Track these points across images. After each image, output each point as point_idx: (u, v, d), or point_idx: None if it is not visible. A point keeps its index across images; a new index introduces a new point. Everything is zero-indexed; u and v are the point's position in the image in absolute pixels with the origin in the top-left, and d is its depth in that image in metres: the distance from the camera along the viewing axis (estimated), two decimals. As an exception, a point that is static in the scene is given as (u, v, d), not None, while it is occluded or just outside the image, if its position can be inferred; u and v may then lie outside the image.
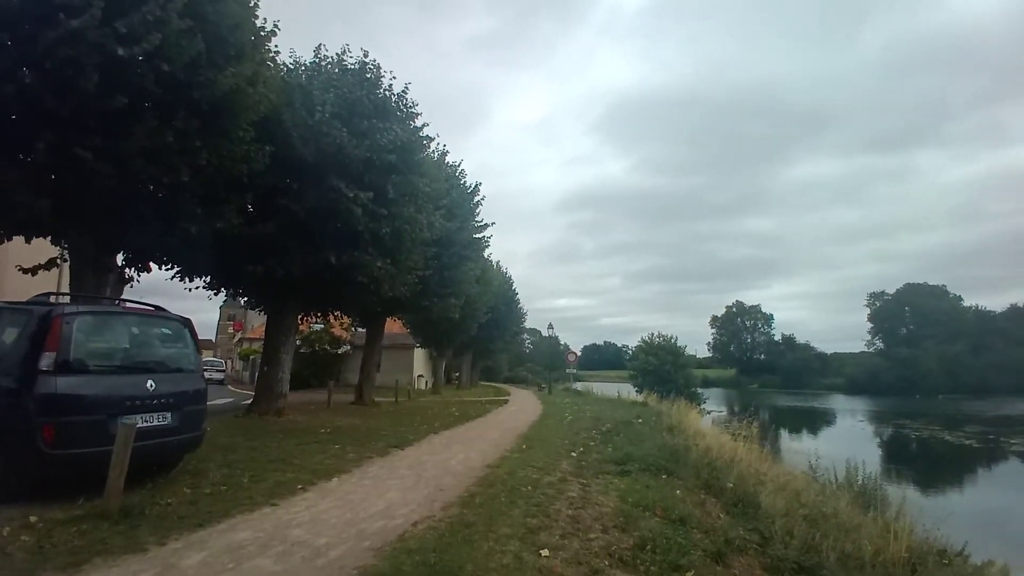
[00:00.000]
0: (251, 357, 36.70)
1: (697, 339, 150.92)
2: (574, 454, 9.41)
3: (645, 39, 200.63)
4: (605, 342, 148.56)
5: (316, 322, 26.91)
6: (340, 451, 8.98)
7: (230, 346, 56.79)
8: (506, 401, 25.33)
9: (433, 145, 16.70)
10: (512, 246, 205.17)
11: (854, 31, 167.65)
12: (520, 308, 45.20)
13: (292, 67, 12.83)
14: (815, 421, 42.29)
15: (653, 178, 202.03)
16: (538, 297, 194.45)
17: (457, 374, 43.14)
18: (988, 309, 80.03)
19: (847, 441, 29.06)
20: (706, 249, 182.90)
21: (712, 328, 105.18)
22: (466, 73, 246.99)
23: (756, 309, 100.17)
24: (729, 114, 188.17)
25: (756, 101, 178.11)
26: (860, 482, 9.00)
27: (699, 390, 37.75)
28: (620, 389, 35.11)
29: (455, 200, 20.00)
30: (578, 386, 42.75)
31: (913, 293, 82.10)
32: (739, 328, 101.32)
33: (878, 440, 32.59)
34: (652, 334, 37.31)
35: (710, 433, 13.84)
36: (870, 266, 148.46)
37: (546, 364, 59.40)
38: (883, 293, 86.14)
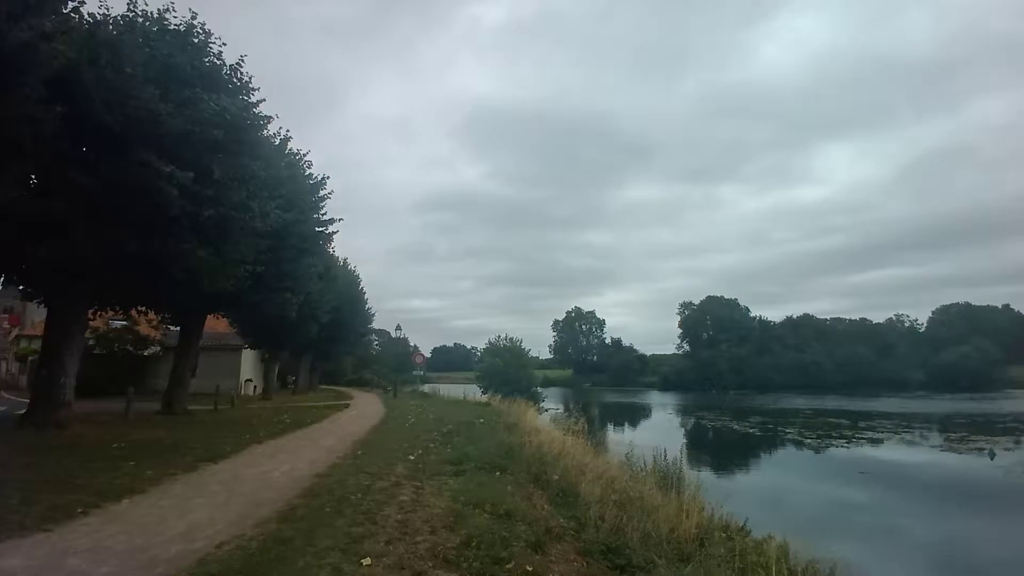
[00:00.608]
0: (30, 358, 30.28)
1: (540, 341, 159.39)
2: (411, 457, 9.27)
3: (503, 55, 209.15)
4: (455, 344, 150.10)
5: (115, 318, 22.94)
6: (135, 468, 7.76)
7: (4, 344, 46.41)
8: (347, 406, 24.19)
9: (273, 128, 15.37)
10: (364, 243, 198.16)
11: (677, 77, 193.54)
12: (368, 308, 43.62)
13: (100, 19, 10.85)
14: (635, 415, 47.23)
15: (506, 187, 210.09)
16: (391, 297, 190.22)
17: (294, 378, 40.12)
18: (769, 319, 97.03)
19: (658, 431, 32.95)
20: (551, 257, 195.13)
21: (554, 331, 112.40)
22: (319, 59, 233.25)
23: (592, 315, 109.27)
24: (573, 136, 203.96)
25: (596, 127, 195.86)
26: (664, 467, 10.21)
27: (539, 389, 39.92)
28: (467, 390, 35.63)
29: (297, 190, 18.56)
30: (425, 388, 42.47)
31: (713, 304, 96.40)
32: (577, 332, 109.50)
33: (683, 430, 37.40)
34: (499, 336, 38.61)
35: (545, 430, 14.67)
36: (682, 279, 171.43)
37: (393, 366, 58.06)
38: (691, 303, 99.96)
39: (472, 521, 5.21)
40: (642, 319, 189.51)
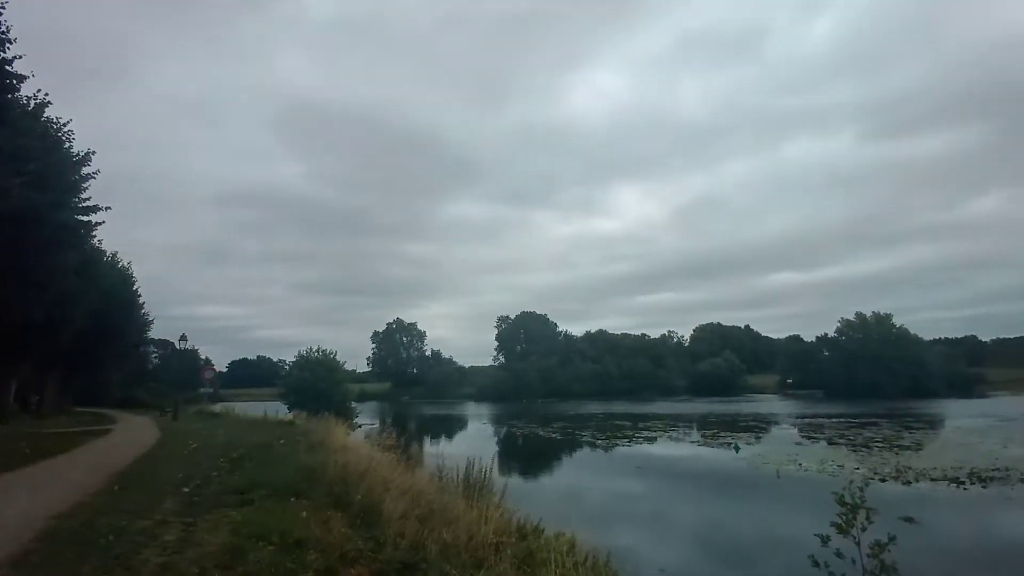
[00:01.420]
0: None
1: (358, 354, 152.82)
2: (186, 489, 8.02)
3: (329, 51, 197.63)
4: (259, 356, 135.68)
5: None
6: None
7: None
8: (108, 431, 20.17)
9: (29, 89, 12.34)
10: (146, 237, 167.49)
11: (502, 106, 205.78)
12: (144, 314, 37.24)
13: None
14: (451, 426, 47.91)
15: (326, 189, 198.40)
16: (179, 302, 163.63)
17: (37, 398, 32.27)
18: (573, 334, 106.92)
19: (473, 441, 33.88)
20: (372, 266, 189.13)
21: (373, 343, 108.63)
22: (101, 14, 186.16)
23: (413, 326, 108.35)
24: (401, 146, 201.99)
25: (424, 141, 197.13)
26: (472, 476, 10.44)
27: (354, 405, 38.12)
28: (270, 408, 32.41)
29: (52, 166, 15.13)
30: (218, 408, 37.52)
31: (526, 319, 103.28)
32: (397, 344, 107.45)
33: (495, 438, 38.97)
34: (310, 348, 35.80)
35: (354, 447, 13.96)
36: (500, 295, 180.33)
37: (177, 383, 50.20)
38: (507, 317, 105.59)
39: (254, 556, 4.65)
40: (463, 332, 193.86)
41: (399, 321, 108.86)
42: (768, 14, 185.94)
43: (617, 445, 32.08)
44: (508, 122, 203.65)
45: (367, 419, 41.41)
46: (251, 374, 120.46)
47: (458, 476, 11.23)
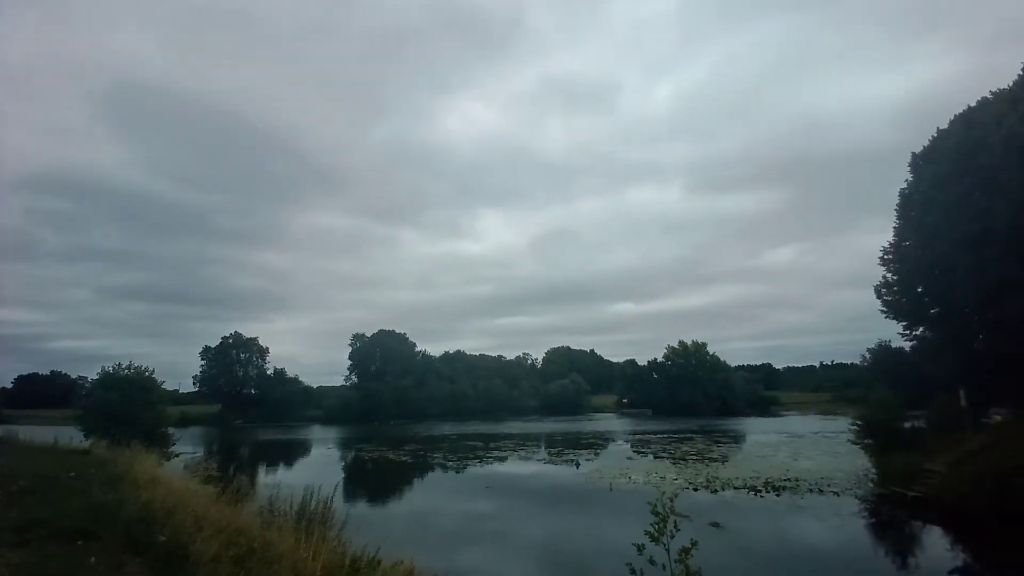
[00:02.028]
0: None
1: (185, 371, 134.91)
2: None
3: (181, 37, 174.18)
4: (53, 372, 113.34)
5: None
6: None
7: None
8: None
9: None
10: None
11: (374, 120, 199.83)
12: None
13: None
14: (292, 453, 44.23)
15: (158, 182, 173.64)
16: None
17: None
18: (431, 354, 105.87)
19: (315, 468, 31.59)
20: (210, 273, 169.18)
21: (203, 360, 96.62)
22: None
23: (253, 342, 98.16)
24: (258, 146, 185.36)
25: (285, 144, 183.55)
26: (309, 508, 9.65)
27: (173, 430, 33.32)
28: (63, 433, 26.97)
29: None
30: (-10, 433, 30.33)
31: (384, 337, 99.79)
32: (232, 360, 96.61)
33: (341, 464, 36.76)
34: (119, 364, 30.61)
35: (165, 480, 12.15)
36: (357, 311, 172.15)
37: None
38: (363, 335, 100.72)
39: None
40: (314, 349, 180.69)
41: (237, 335, 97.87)
42: (622, 74, 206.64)
43: (468, 466, 32.16)
44: (379, 137, 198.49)
45: (188, 447, 36.55)
46: (42, 392, 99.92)
47: (291, 508, 10.32)
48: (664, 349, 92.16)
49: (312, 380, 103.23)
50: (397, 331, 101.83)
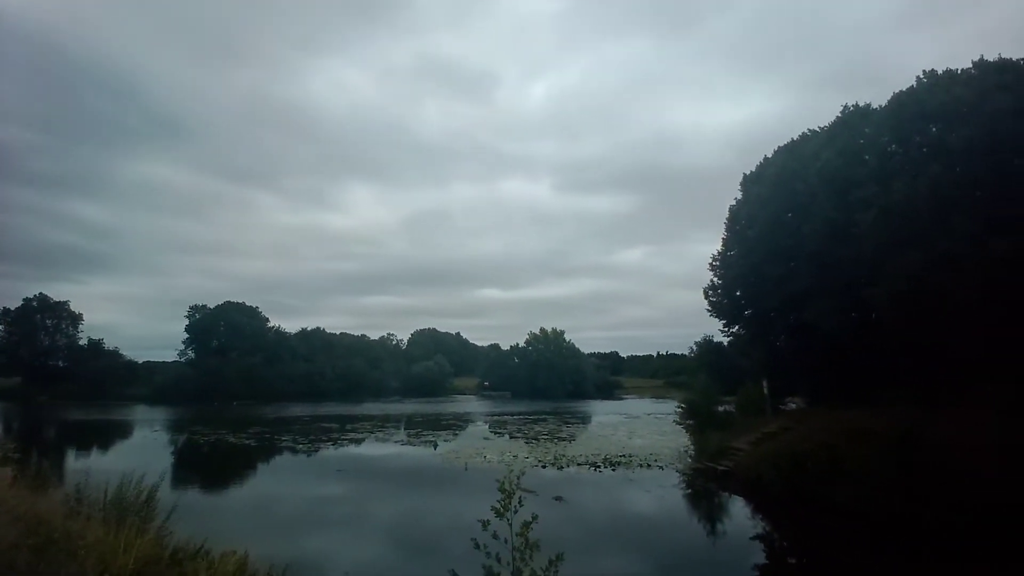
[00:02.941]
0: None
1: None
2: None
3: None
4: None
5: None
6: None
7: None
8: None
9: None
10: None
11: (231, 69, 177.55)
12: None
13: None
14: (109, 435, 38.81)
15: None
16: None
17: None
18: (286, 330, 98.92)
19: (139, 453, 28.10)
20: (11, 222, 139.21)
21: (0, 325, 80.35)
22: None
23: (63, 306, 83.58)
24: (82, 80, 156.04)
25: (118, 81, 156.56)
26: (126, 496, 8.62)
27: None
28: None
29: None
30: None
31: (231, 310, 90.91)
32: (36, 327, 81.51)
33: (171, 448, 33.18)
34: None
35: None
36: (199, 279, 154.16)
37: None
38: (204, 306, 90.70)
39: None
40: (142, 319, 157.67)
41: (42, 297, 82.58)
42: (502, 67, 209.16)
43: (321, 449, 30.85)
44: (236, 89, 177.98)
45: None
46: None
47: (105, 497, 9.12)
48: (527, 335, 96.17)
49: (138, 354, 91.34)
50: (248, 304, 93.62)
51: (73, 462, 26.06)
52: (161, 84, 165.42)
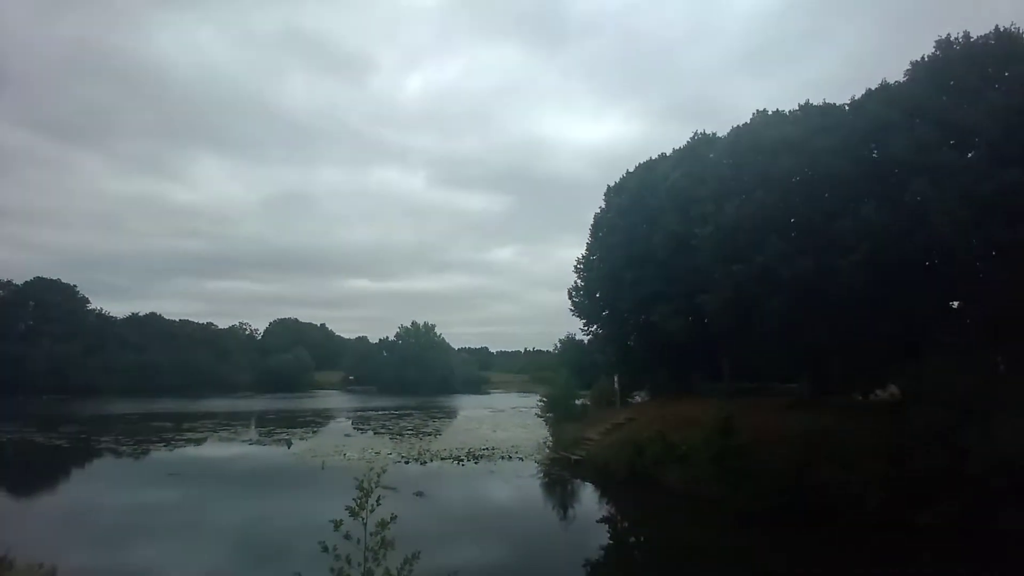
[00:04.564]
0: None
1: None
2: None
3: None
4: None
5: None
6: None
7: None
8: None
9: None
10: None
11: (49, 10, 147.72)
12: None
13: None
14: None
15: None
16: None
17: None
18: (111, 314, 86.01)
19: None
20: None
21: None
22: None
23: None
24: None
25: None
26: None
27: None
28: None
29: None
30: None
31: (41, 287, 76.90)
32: None
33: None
34: None
35: None
36: (3, 250, 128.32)
37: None
38: (9, 282, 75.97)
39: None
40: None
41: None
42: (377, 52, 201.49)
43: (151, 451, 27.44)
44: (56, 33, 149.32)
45: None
46: None
47: None
48: (397, 329, 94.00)
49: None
50: (64, 282, 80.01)
51: None
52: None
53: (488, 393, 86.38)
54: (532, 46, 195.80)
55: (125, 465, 24.38)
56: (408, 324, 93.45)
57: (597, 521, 16.97)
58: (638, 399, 31.97)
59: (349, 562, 4.37)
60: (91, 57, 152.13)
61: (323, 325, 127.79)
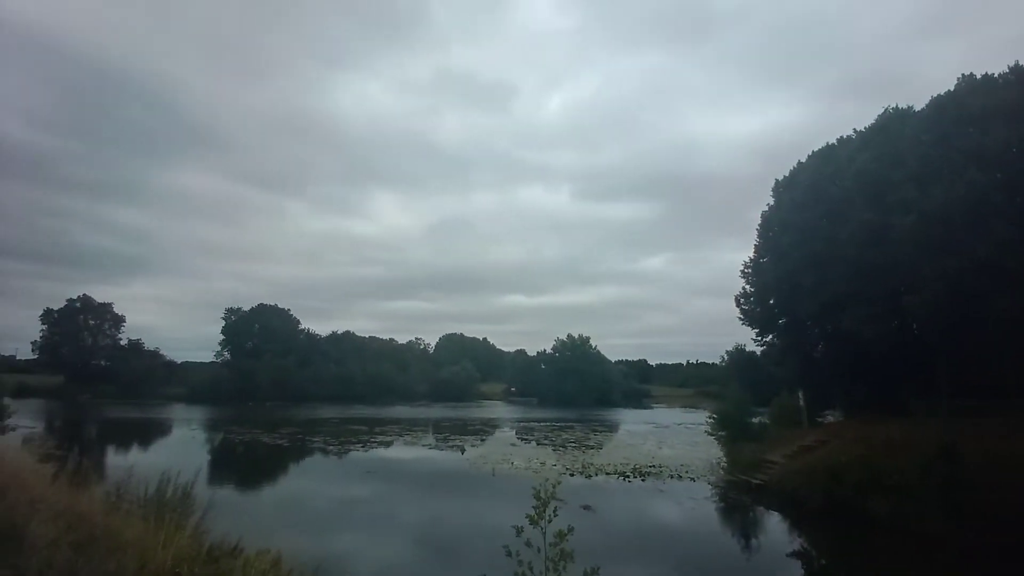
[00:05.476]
0: None
1: (21, 336, 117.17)
2: None
3: None
4: None
5: None
6: None
7: None
8: None
9: None
10: None
11: (256, 79, 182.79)
12: None
13: None
14: (148, 433, 40.09)
15: (5, 119, 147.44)
16: None
17: None
18: (316, 333, 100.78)
19: (176, 451, 28.91)
20: (55, 226, 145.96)
21: (44, 324, 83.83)
22: None
23: (107, 307, 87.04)
24: (117, 91, 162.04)
25: (151, 93, 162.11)
26: (164, 493, 8.85)
27: (8, 401, 28.83)
28: None
29: None
30: None
31: (264, 312, 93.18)
32: (80, 327, 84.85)
33: (208, 447, 34.02)
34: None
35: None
36: (233, 283, 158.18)
37: None
38: (239, 309, 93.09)
39: None
40: (179, 321, 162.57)
41: (86, 299, 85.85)
42: (518, 78, 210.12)
43: (351, 451, 31.24)
44: (264, 101, 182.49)
45: (27, 421, 31.82)
46: None
47: (145, 494, 9.39)
48: (553, 341, 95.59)
49: (176, 355, 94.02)
50: (280, 307, 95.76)
51: (113, 459, 26.96)
52: (194, 96, 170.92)
53: (649, 407, 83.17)
54: (673, 45, 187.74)
55: (331, 462, 28.02)
56: (564, 337, 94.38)
57: (787, 555, 15.13)
58: (829, 418, 28.17)
59: (531, 568, 4.42)
60: (289, 118, 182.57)
61: (485, 339, 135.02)
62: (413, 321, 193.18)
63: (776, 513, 18.96)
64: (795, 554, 15.34)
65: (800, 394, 26.97)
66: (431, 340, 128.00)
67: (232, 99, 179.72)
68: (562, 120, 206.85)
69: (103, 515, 6.09)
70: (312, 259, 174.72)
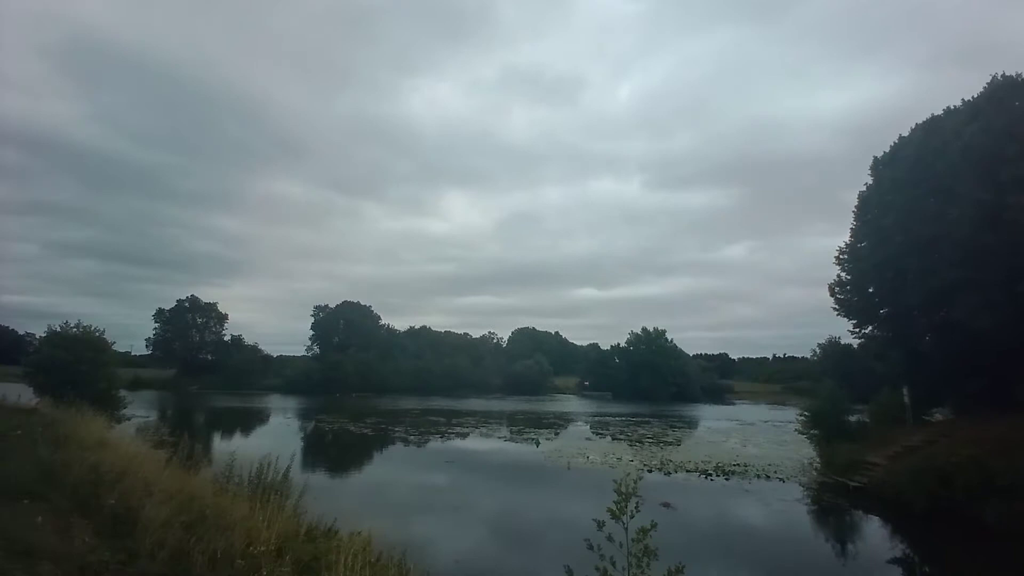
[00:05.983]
0: None
1: (136, 333, 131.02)
2: None
3: None
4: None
5: None
6: None
7: None
8: None
9: None
10: None
11: (336, 91, 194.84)
12: None
13: None
14: (250, 421, 43.50)
15: (114, 139, 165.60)
16: None
17: None
18: (395, 328, 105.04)
19: (274, 437, 31.17)
20: (165, 234, 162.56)
21: (157, 322, 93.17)
22: None
23: (212, 307, 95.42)
24: (216, 108, 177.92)
25: (245, 109, 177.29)
26: (265, 476, 9.53)
27: (125, 393, 32.33)
28: (11, 391, 25.71)
29: None
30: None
31: (347, 309, 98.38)
32: (189, 325, 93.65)
33: (301, 434, 36.38)
34: (67, 322, 29.31)
35: (115, 444, 11.78)
36: (319, 282, 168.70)
37: None
38: (326, 306, 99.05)
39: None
40: (273, 318, 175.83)
41: (193, 299, 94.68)
42: (586, 70, 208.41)
43: (430, 441, 32.28)
44: (342, 110, 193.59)
45: (141, 411, 35.54)
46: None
47: (248, 477, 10.18)
48: (627, 334, 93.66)
49: (271, 349, 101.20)
50: (362, 304, 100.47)
51: (219, 444, 29.38)
52: (281, 109, 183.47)
53: (732, 403, 79.61)
54: (747, 22, 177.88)
55: (412, 451, 29.09)
56: (638, 331, 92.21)
57: (887, 561, 13.97)
58: (938, 416, 25.66)
59: (614, 564, 4.34)
60: (365, 125, 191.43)
61: (557, 333, 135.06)
62: (485, 316, 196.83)
63: (876, 517, 17.55)
64: (896, 560, 14.13)
65: (905, 390, 24.72)
66: (504, 334, 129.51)
67: (315, 111, 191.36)
68: (631, 109, 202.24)
69: (212, 496, 6.67)
70: (389, 258, 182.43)
